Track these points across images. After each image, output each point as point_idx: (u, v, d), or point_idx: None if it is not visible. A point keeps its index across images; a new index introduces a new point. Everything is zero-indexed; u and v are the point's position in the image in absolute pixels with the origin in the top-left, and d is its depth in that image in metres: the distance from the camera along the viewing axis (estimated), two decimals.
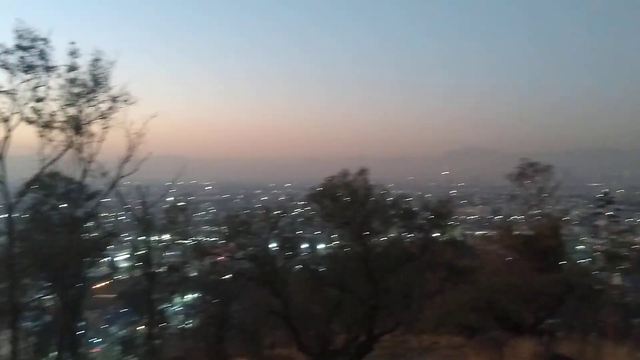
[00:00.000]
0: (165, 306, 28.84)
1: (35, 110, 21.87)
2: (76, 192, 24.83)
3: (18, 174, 23.00)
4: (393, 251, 22.32)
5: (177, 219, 26.12)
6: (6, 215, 21.81)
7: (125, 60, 27.57)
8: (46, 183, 24.74)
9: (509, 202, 35.71)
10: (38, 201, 25.07)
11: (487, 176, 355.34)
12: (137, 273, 27.37)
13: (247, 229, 20.75)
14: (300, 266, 23.15)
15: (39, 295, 25.34)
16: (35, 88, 21.42)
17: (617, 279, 34.48)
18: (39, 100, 21.79)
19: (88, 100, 23.39)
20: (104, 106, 23.73)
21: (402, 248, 22.66)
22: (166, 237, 25.83)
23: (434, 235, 22.67)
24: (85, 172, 23.99)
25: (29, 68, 20.96)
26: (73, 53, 22.58)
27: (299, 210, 23.95)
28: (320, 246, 26.14)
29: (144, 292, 25.51)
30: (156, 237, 25.75)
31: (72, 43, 22.54)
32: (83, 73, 22.97)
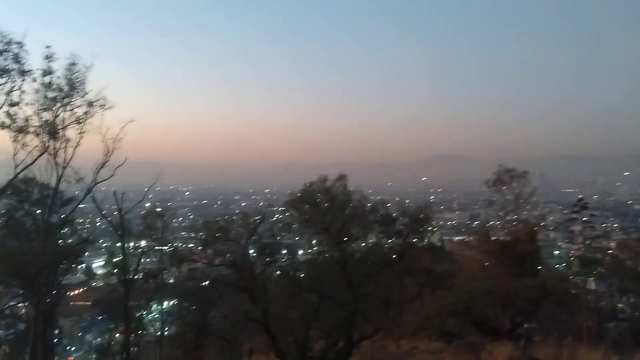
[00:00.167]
0: (142, 313, 28.57)
1: (9, 115, 21.59)
2: (51, 198, 24.51)
3: None
4: (372, 257, 22.36)
5: (155, 225, 25.95)
6: None
7: (102, 65, 27.34)
8: (20, 188, 24.41)
9: (486, 207, 36.14)
10: (12, 207, 24.73)
11: (465, 182, 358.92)
12: (114, 280, 27.10)
13: (226, 235, 20.58)
14: (279, 272, 23.03)
15: (12, 303, 24.91)
16: (9, 92, 21.15)
17: (592, 284, 35.12)
18: (13, 104, 21.51)
19: (64, 105, 23.17)
20: (79, 111, 23.58)
21: (380, 253, 22.73)
22: (143, 243, 25.63)
23: (412, 240, 22.77)
24: (60, 177, 23.72)
25: (2, 72, 20.68)
26: (48, 57, 22.38)
27: (278, 216, 23.90)
28: (300, 252, 26.12)
29: (121, 299, 25.23)
30: (133, 244, 25.52)
31: (48, 47, 22.37)
32: (58, 77, 22.81)
